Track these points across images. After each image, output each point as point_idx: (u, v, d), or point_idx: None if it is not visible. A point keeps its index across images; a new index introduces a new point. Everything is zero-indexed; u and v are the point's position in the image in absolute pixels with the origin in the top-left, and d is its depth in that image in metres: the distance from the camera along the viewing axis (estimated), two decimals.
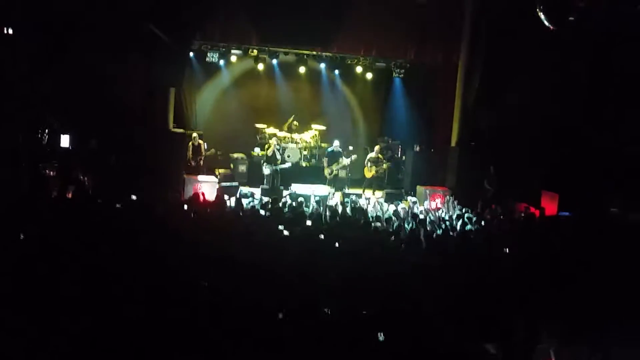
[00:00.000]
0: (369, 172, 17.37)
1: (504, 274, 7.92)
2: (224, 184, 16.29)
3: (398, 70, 19.39)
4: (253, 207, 12.54)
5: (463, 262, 8.38)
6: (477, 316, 6.47)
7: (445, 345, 5.97)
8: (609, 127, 14.22)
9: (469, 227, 10.98)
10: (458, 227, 10.94)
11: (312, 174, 17.76)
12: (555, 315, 6.59)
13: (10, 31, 12.97)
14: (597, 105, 14.56)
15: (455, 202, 14.29)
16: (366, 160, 17.53)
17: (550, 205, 14.24)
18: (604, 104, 14.48)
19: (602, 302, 6.69)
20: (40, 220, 8.98)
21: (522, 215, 12.95)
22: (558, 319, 6.50)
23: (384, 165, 17.49)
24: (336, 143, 17.71)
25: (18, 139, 13.09)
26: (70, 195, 11.68)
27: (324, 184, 17.02)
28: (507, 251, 9.32)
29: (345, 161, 17.42)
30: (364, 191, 17.26)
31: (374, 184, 17.46)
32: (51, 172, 14.01)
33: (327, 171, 17.42)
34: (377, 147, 17.80)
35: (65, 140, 14.92)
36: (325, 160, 17.62)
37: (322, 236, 9.29)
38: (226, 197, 13.83)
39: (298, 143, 18.39)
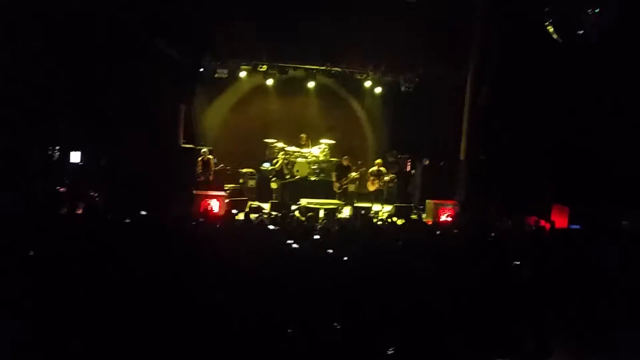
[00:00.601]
0: (372, 186, 17.36)
1: (514, 287, 7.87)
2: (233, 198, 16.33)
3: (407, 84, 19.40)
4: (262, 221, 12.54)
5: (473, 274, 8.34)
6: (488, 328, 6.43)
7: (455, 358, 5.94)
8: (620, 140, 14.17)
9: None
10: None
11: (321, 188, 17.78)
12: (565, 328, 6.55)
13: (20, 47, 13.11)
14: (609, 118, 14.51)
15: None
16: (367, 174, 17.55)
17: (560, 219, 14.16)
18: (616, 116, 14.43)
19: (613, 315, 6.65)
20: (50, 236, 9.02)
21: (533, 228, 12.87)
22: (569, 331, 6.46)
23: (386, 178, 17.45)
24: (345, 158, 17.74)
25: (29, 156, 13.18)
26: (80, 211, 11.73)
27: (333, 198, 17.02)
28: (518, 264, 9.26)
29: (354, 175, 17.44)
30: (372, 205, 17.22)
31: (379, 197, 17.41)
32: (61, 189, 14.10)
33: (336, 185, 17.42)
34: (377, 161, 17.76)
35: (75, 157, 15.03)
36: (334, 175, 17.62)
37: (331, 250, 9.27)
38: (235, 211, 13.85)
39: (307, 157, 18.41)
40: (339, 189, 17.40)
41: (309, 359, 5.72)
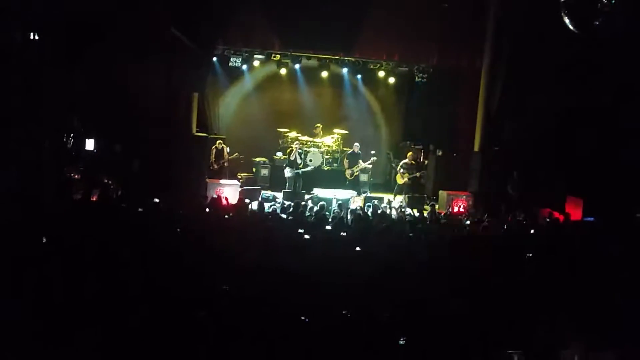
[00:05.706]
0: (401, 179, 17.01)
1: (527, 279, 7.85)
2: (246, 187, 16.35)
3: (420, 74, 19.29)
4: (274, 210, 12.56)
5: (486, 266, 8.32)
6: (501, 322, 6.41)
7: (468, 351, 5.92)
8: (633, 132, 14.03)
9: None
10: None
11: (334, 178, 17.75)
12: (580, 320, 6.51)
13: (36, 36, 13.12)
14: (623, 110, 14.37)
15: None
16: (399, 166, 17.24)
17: (574, 211, 14.06)
18: (629, 108, 14.28)
19: (628, 307, 6.60)
20: (64, 224, 9.07)
21: (546, 220, 12.80)
22: (583, 324, 6.42)
23: (417, 173, 17.14)
24: (356, 145, 17.75)
25: (44, 143, 13.22)
26: (94, 199, 11.79)
27: (346, 187, 16.97)
28: (531, 256, 9.23)
29: (363, 164, 17.40)
30: (395, 197, 16.98)
31: (405, 190, 17.03)
32: (76, 176, 14.17)
33: (348, 172, 17.45)
34: (410, 154, 17.41)
35: (90, 144, 15.10)
36: (346, 162, 17.63)
37: (343, 238, 9.29)
38: (248, 200, 13.88)
39: (320, 147, 18.39)
40: (351, 177, 17.40)
41: (320, 347, 5.73)
